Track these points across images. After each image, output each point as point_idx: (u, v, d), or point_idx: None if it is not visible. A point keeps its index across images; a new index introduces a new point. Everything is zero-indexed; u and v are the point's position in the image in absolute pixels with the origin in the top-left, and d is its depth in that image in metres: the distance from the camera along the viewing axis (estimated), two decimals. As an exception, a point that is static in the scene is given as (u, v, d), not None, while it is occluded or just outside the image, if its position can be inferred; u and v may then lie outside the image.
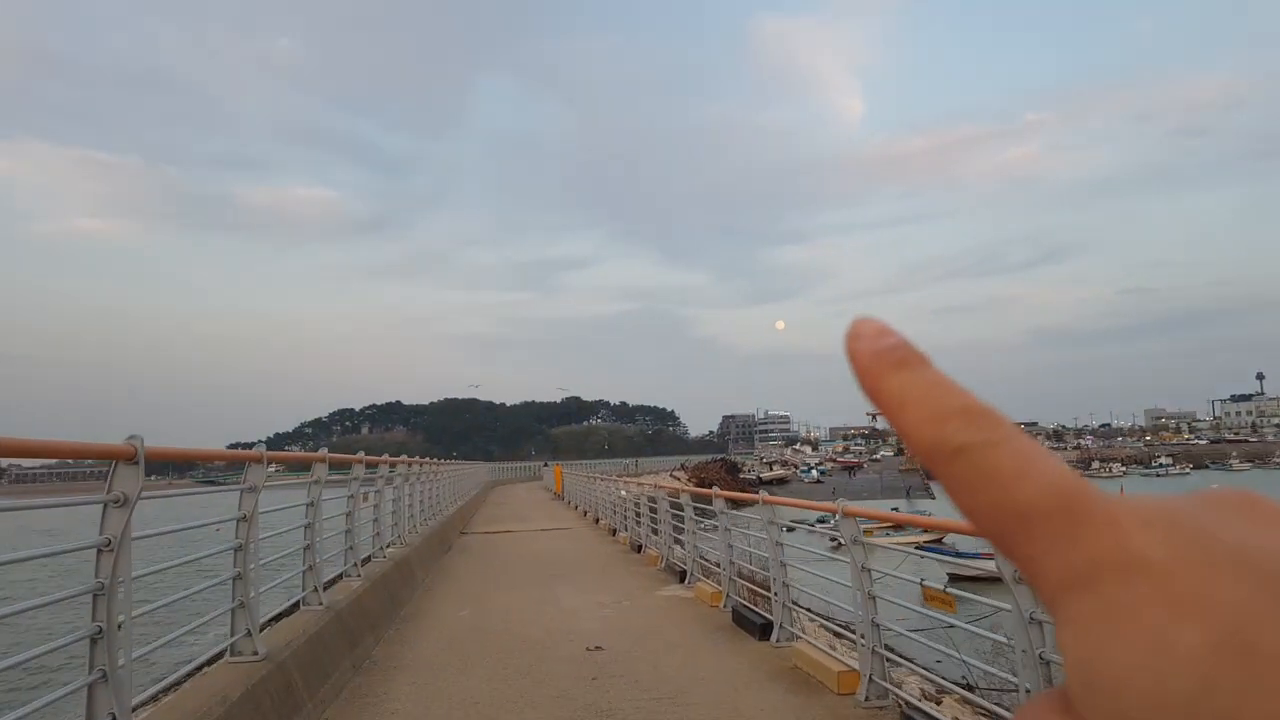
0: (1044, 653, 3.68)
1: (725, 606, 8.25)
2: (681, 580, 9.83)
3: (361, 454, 8.69)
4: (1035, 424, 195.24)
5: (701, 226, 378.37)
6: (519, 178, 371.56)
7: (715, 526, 8.83)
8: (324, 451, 6.98)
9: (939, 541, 32.83)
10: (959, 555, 27.04)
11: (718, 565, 8.89)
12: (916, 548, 25.37)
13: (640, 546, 12.14)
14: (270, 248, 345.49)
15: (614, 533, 16.36)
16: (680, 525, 10.57)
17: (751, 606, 7.73)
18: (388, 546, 10.00)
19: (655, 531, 12.57)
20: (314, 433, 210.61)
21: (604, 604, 8.74)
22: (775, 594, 6.80)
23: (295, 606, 6.50)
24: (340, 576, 7.77)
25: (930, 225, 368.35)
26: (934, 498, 78.62)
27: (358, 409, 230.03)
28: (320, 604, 6.54)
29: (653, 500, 12.76)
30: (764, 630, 7.02)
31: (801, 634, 6.66)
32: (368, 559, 8.69)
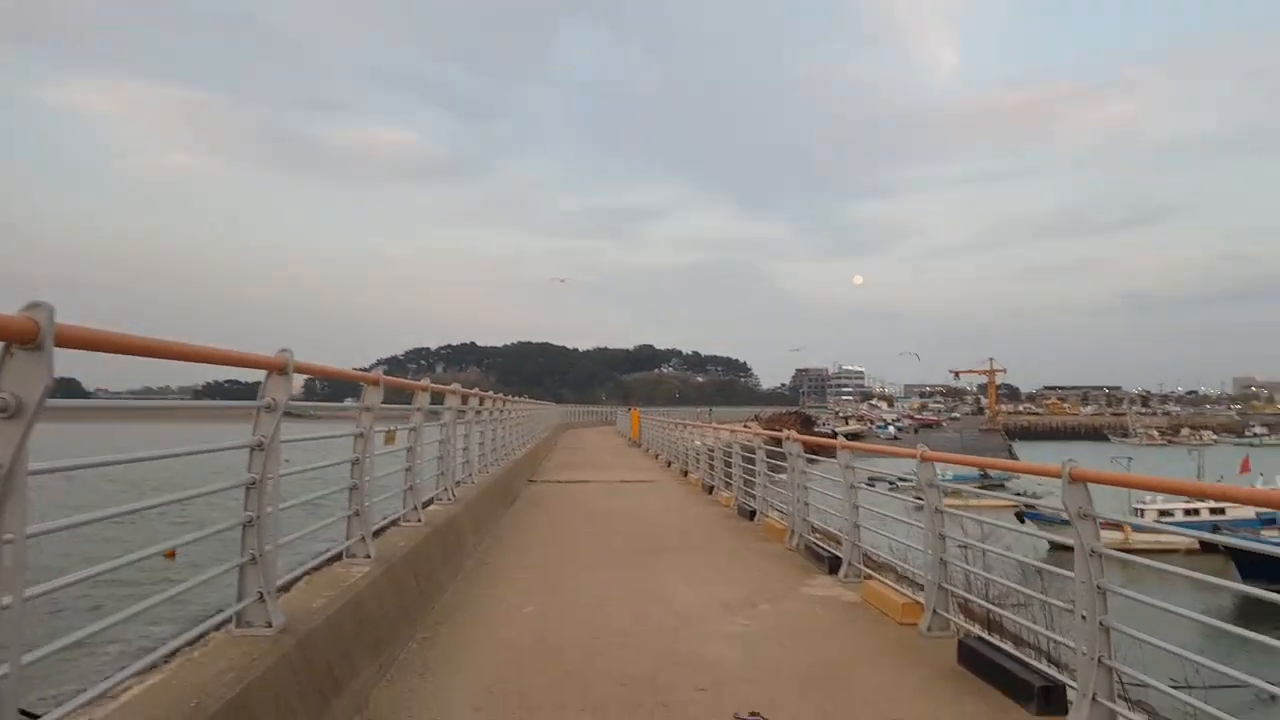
0: (1101, 582, 3.80)
1: (795, 546, 8.56)
2: (826, 565, 7.60)
3: (457, 386, 8.91)
4: (1119, 388, 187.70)
5: (783, 178, 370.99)
6: (600, 125, 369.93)
7: (789, 472, 9.09)
8: (426, 380, 7.53)
9: (1029, 507, 32.23)
10: (1065, 522, 26.45)
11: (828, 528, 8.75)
12: (1017, 515, 24.92)
13: (754, 512, 10.67)
14: (354, 188, 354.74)
15: (711, 490, 14.26)
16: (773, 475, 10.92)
17: (822, 545, 8.09)
18: (426, 504, 7.83)
19: (749, 484, 11.53)
20: (389, 370, 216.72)
21: (730, 605, 6.22)
22: (846, 536, 7.15)
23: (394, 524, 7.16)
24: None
25: (1020, 183, 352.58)
26: (1016, 458, 76.79)
27: (433, 348, 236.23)
28: (419, 520, 7.21)
29: (747, 449, 12.18)
30: (832, 565, 7.51)
31: (872, 573, 6.92)
32: (380, 531, 6.29)
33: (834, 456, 7.64)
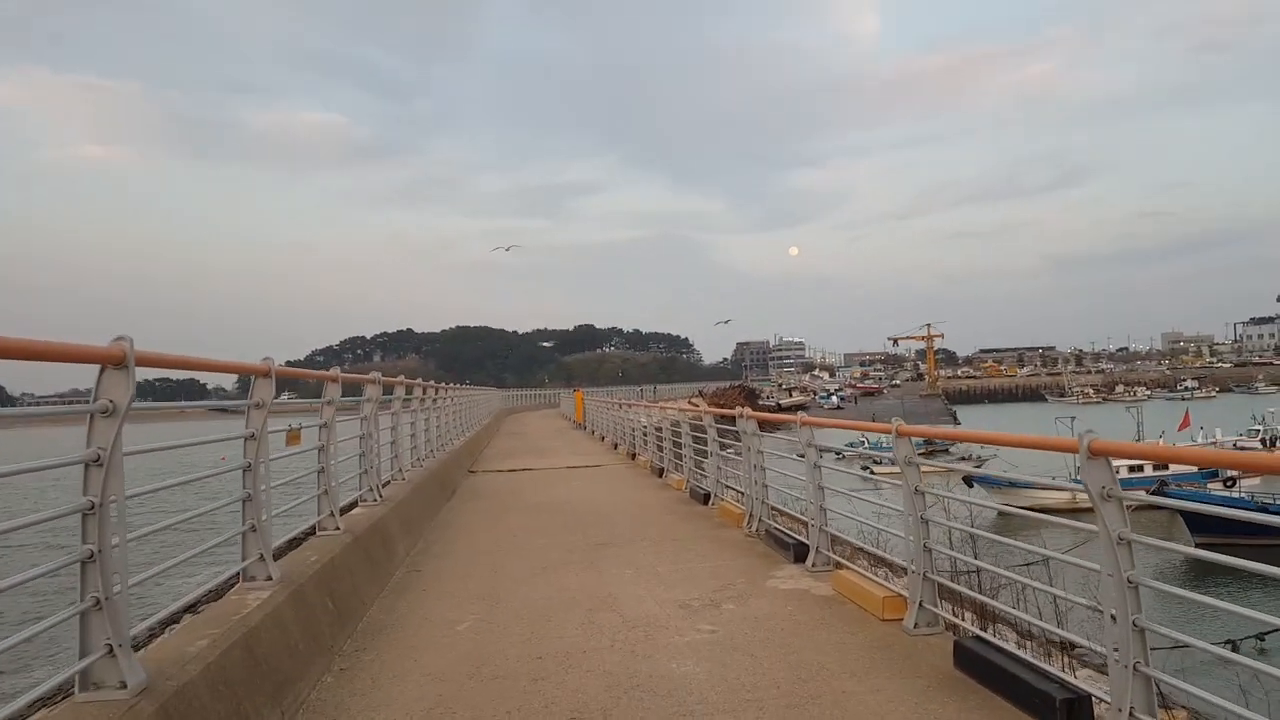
0: (1131, 575, 3.27)
1: (755, 532, 8.01)
2: (791, 553, 6.92)
3: (376, 375, 8.02)
4: (1053, 348, 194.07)
5: (714, 151, 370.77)
6: (527, 102, 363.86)
7: (743, 452, 8.51)
8: (336, 370, 6.66)
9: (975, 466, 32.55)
10: (1012, 485, 26.64)
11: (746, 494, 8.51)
12: (965, 479, 24.78)
13: (708, 495, 10.00)
14: (276, 174, 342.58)
15: (661, 473, 13.30)
16: (709, 452, 10.34)
17: (785, 531, 7.55)
18: (348, 508, 7.25)
19: (700, 465, 11.02)
20: (325, 361, 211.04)
21: (691, 607, 5.57)
22: (812, 520, 6.53)
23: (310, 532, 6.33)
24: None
25: (946, 147, 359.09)
26: (957, 422, 78.44)
27: (369, 337, 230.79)
28: (338, 527, 6.36)
29: (696, 427, 11.57)
30: (798, 553, 6.92)
31: (844, 561, 6.37)
32: (295, 543, 5.82)
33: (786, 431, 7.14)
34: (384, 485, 8.30)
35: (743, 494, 8.76)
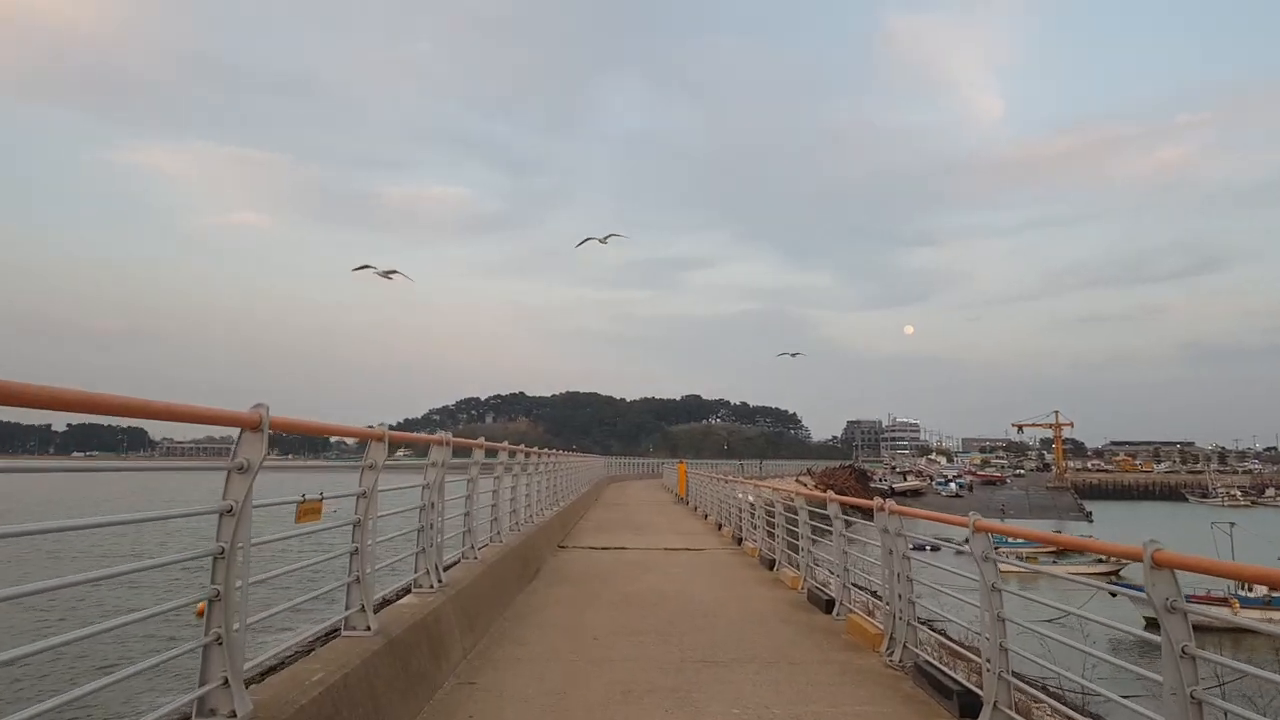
0: (1195, 691, 3.19)
1: (898, 662, 6.68)
2: (955, 704, 5.26)
3: (444, 435, 6.95)
4: (1191, 444, 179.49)
5: (828, 227, 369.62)
6: (644, 177, 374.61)
7: (883, 554, 6.97)
8: (445, 434, 7.10)
9: (1117, 575, 30.05)
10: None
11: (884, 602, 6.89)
12: (1110, 582, 23.08)
13: (831, 602, 8.66)
14: (405, 243, 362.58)
15: (772, 565, 11.89)
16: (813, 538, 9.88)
17: (944, 670, 6.40)
18: (398, 597, 6.50)
19: (818, 560, 9.94)
20: (441, 420, 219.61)
21: None
22: (989, 663, 4.86)
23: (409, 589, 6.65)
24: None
25: (1073, 229, 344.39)
26: (1090, 520, 73.09)
27: (483, 398, 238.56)
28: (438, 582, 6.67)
29: (816, 514, 10.09)
30: (965, 705, 5.19)
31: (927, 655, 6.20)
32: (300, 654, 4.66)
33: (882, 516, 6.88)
34: (446, 568, 7.24)
35: (882, 607, 7.23)
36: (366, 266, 30.76)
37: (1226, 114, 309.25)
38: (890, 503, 6.96)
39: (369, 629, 5.13)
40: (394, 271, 31.41)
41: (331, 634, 5.09)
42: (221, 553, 3.45)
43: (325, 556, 4.96)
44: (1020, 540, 30.77)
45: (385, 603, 6.22)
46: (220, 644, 3.43)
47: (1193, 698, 3.15)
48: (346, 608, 5.13)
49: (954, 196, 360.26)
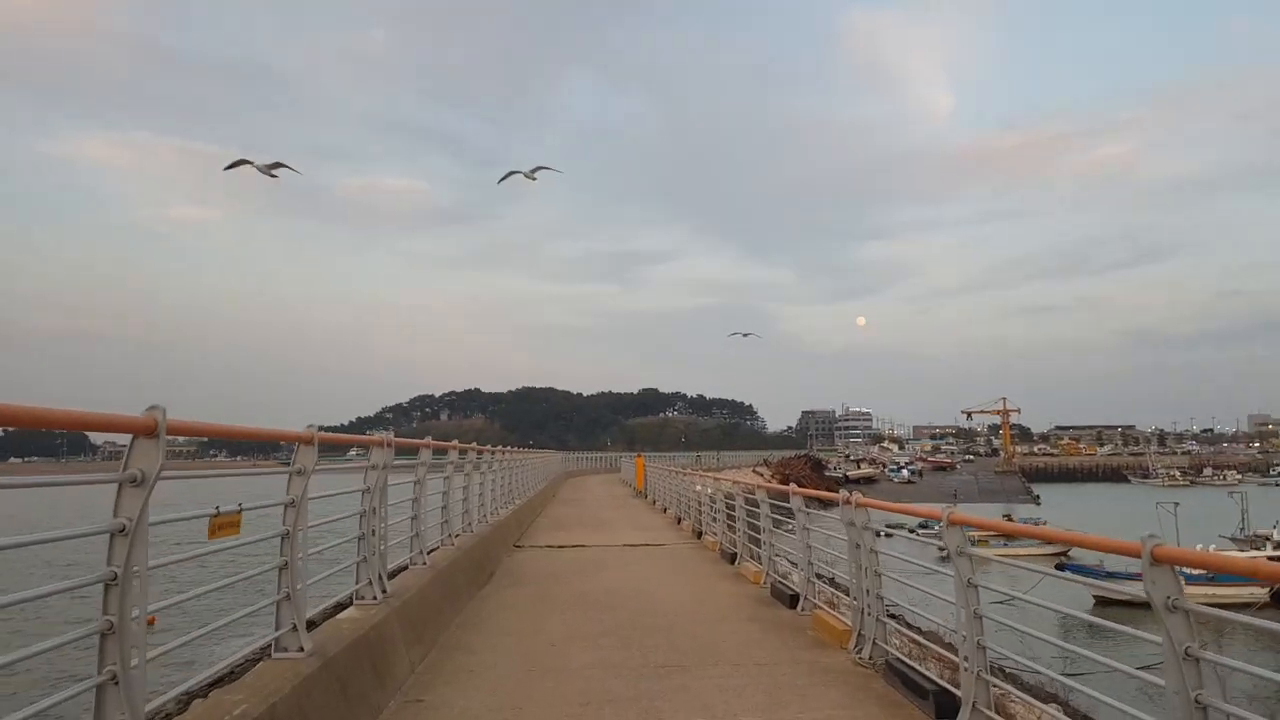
0: (1200, 695, 2.96)
1: (868, 660, 6.15)
2: (931, 704, 5.01)
3: (384, 435, 6.48)
4: (1133, 427, 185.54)
5: (784, 222, 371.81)
6: (601, 171, 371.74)
7: (850, 547, 7.17)
8: (386, 435, 6.64)
9: (1065, 555, 30.57)
10: (1109, 575, 25.04)
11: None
12: (1057, 567, 23.35)
13: (795, 597, 8.43)
14: (357, 236, 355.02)
15: (734, 559, 11.57)
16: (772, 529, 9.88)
17: (916, 667, 5.69)
18: (331, 613, 5.90)
19: (756, 541, 9.96)
20: (394, 418, 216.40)
21: None
22: (965, 660, 4.59)
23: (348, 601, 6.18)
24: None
25: (1018, 223, 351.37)
26: (1038, 502, 74.94)
27: (438, 395, 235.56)
28: (382, 593, 6.23)
29: (730, 499, 10.40)
30: (941, 705, 4.96)
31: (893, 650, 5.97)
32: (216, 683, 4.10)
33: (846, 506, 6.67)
34: (395, 574, 6.99)
35: (850, 603, 6.88)
36: (243, 162, 24.84)
37: (1164, 111, 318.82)
38: (857, 495, 6.71)
39: (302, 649, 4.63)
40: (278, 165, 25.17)
41: (260, 657, 4.65)
42: (114, 578, 2.99)
43: (243, 575, 4.43)
44: (999, 537, 31.09)
45: (324, 617, 5.78)
46: (116, 683, 2.98)
47: (1197, 702, 2.91)
48: (276, 627, 4.63)
49: (906, 191, 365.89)
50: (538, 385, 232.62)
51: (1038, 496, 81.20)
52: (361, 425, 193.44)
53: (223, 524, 3.87)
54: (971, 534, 4.99)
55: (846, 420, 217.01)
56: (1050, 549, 31.62)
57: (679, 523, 18.16)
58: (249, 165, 24.19)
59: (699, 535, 15.26)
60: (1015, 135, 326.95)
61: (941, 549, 5.08)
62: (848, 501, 6.67)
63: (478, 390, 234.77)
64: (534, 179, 31.87)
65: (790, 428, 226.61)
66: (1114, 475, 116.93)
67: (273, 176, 24.72)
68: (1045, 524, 45.77)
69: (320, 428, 4.91)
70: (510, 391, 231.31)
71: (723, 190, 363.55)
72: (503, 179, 32.03)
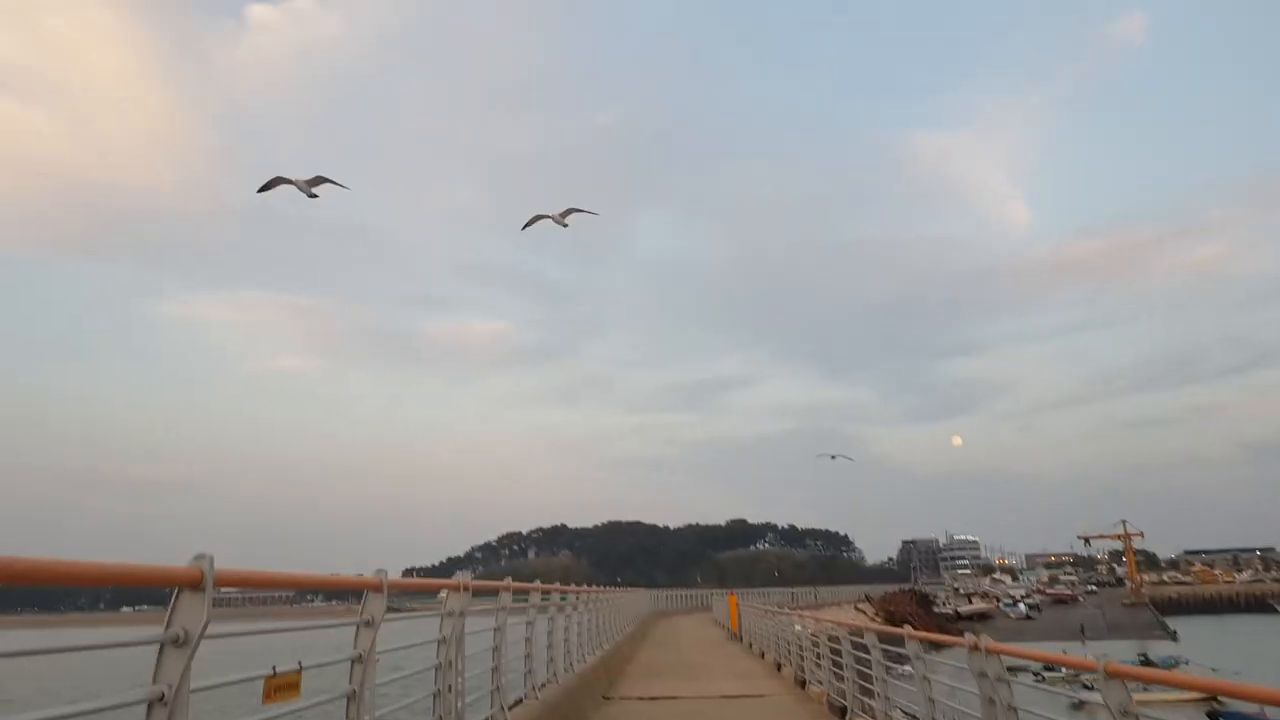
0: None
1: None
2: None
3: (463, 576, 6.03)
4: (1272, 549, 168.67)
5: (864, 341, 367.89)
6: (676, 301, 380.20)
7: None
8: (465, 577, 6.25)
9: (1215, 700, 26.96)
10: None
11: None
12: (1209, 715, 20.23)
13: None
14: (448, 378, 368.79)
15: (844, 714, 10.39)
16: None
17: None
18: None
19: (868, 691, 8.93)
20: (483, 557, 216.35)
21: None
22: None
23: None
24: None
25: (1113, 331, 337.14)
26: (1175, 639, 67.58)
27: (525, 532, 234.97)
28: None
29: (834, 642, 9.42)
30: None
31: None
32: None
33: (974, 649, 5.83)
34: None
35: None
36: (280, 181, 20.39)
37: (1261, 207, 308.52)
38: (985, 639, 5.89)
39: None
40: (319, 180, 20.58)
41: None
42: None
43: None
44: (1168, 687, 28.00)
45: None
46: None
47: None
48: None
49: (989, 304, 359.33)
50: (624, 519, 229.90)
51: (1174, 632, 73.41)
52: (451, 566, 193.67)
53: (280, 685, 3.51)
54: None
55: (951, 550, 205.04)
56: (1194, 695, 28.12)
57: (779, 669, 16.86)
58: (287, 184, 20.54)
59: (802, 684, 13.92)
60: (1099, 240, 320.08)
61: (1077, 701, 4.28)
62: (976, 647, 5.85)
63: (564, 526, 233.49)
64: (565, 224, 26.64)
65: (890, 559, 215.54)
66: (1258, 605, 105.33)
67: (313, 196, 20.91)
68: (1188, 664, 41.11)
69: (409, 570, 4.59)
70: (596, 526, 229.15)
71: (799, 312, 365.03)
72: (528, 224, 26.28)
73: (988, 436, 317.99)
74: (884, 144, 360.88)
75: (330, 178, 21.54)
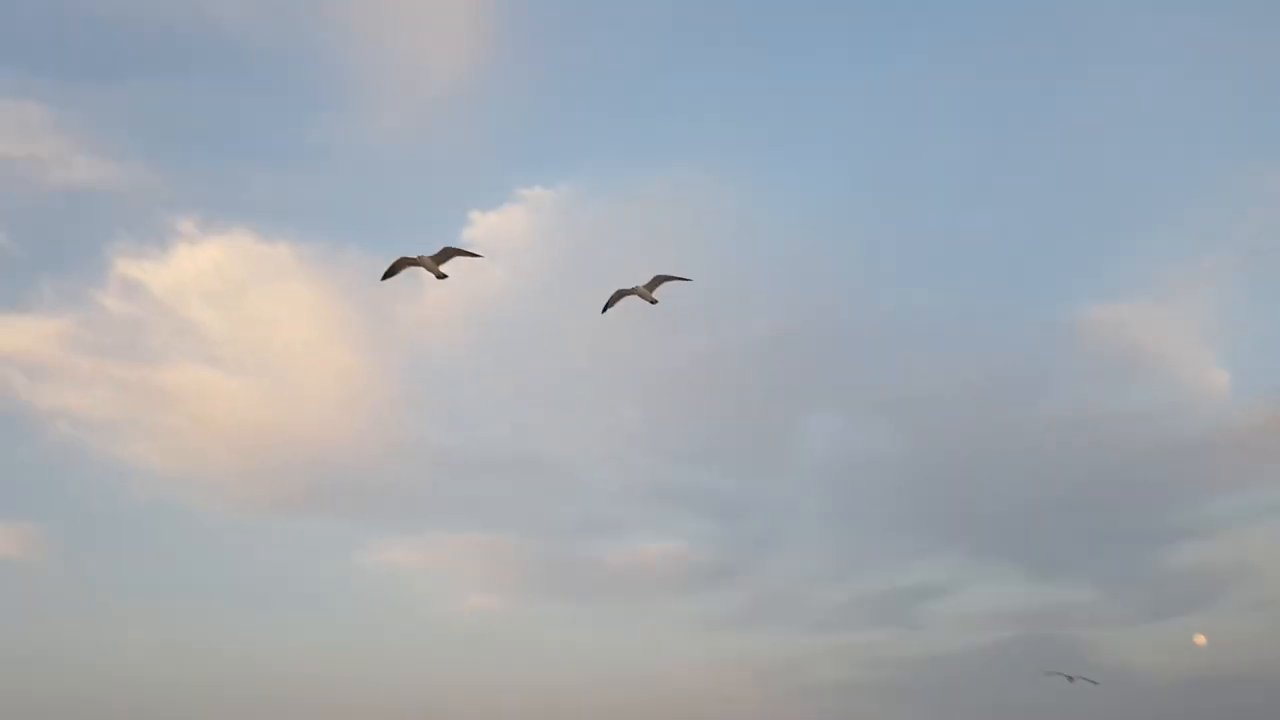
0: None
1: None
2: None
3: None
4: None
5: (1069, 532, 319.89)
6: (857, 506, 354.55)
7: None
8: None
9: None
10: None
11: None
12: None
13: None
14: (630, 607, 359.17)
15: None
16: None
17: None
18: None
19: None
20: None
21: None
22: None
23: None
24: None
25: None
26: None
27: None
28: None
29: None
30: None
31: None
32: None
33: None
34: None
35: None
36: (406, 262, 18.71)
37: None
38: None
39: None
40: (447, 253, 18.86)
41: None
42: None
43: None
44: None
45: None
46: None
47: None
48: None
49: (1203, 479, 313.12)
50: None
51: None
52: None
53: None
54: None
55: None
56: None
57: None
58: (411, 265, 18.97)
59: None
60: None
61: None
62: None
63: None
64: (655, 301, 21.95)
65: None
66: None
67: (443, 276, 19.27)
68: None
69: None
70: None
71: (992, 507, 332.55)
72: (608, 305, 21.76)
73: (1235, 632, 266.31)
74: (1058, 320, 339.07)
75: (459, 247, 20.07)
